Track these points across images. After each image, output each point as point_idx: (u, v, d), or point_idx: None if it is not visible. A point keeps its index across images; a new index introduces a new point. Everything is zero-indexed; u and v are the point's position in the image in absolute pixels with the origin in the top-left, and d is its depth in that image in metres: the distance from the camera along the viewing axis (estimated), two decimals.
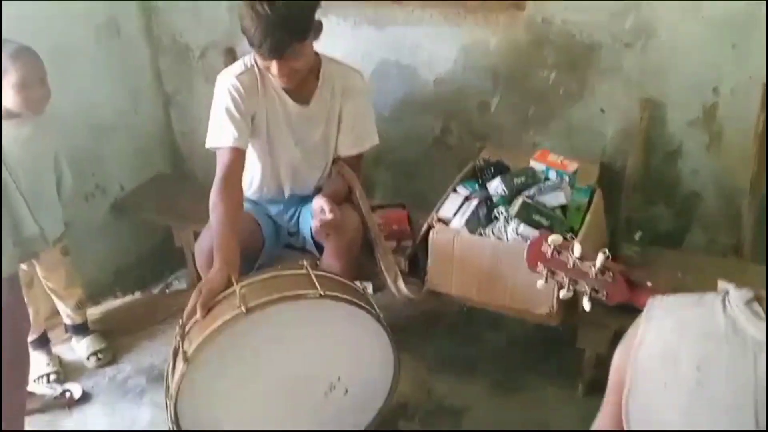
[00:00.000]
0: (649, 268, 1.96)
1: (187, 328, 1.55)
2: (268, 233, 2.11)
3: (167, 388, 1.56)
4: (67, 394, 2.15)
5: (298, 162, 2.07)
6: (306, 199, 2.14)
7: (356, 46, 2.38)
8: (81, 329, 2.33)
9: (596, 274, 1.25)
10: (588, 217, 1.93)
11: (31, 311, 2.10)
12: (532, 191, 1.94)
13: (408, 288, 1.98)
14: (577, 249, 1.28)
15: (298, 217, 2.17)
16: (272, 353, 1.62)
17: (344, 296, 1.62)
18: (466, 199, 2.02)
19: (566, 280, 1.30)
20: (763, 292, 0.78)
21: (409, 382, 2.11)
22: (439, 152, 2.51)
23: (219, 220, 1.80)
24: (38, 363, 2.19)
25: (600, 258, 1.25)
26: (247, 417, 1.66)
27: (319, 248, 2.08)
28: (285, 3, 1.73)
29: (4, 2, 1.87)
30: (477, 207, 1.95)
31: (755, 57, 1.94)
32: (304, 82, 1.94)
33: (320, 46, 2.05)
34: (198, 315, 1.54)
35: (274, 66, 1.81)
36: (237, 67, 1.96)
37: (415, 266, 2.08)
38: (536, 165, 2.04)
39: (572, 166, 2.02)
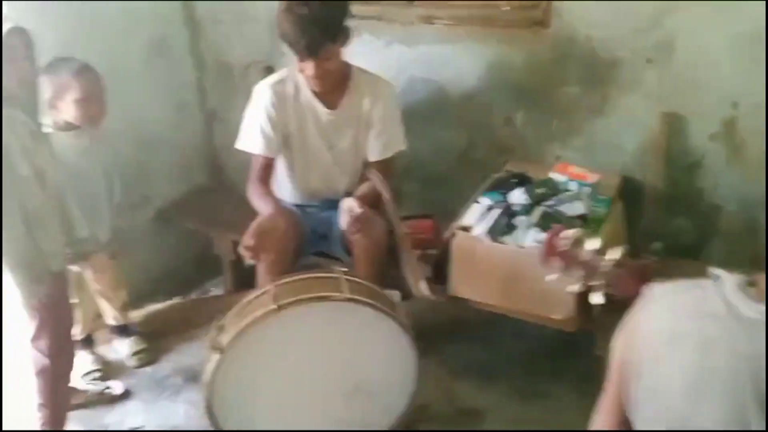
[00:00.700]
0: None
1: (224, 322, 1.67)
2: (307, 233, 2.24)
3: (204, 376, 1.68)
4: (109, 391, 2.28)
5: (329, 166, 2.20)
6: (338, 204, 2.25)
7: (388, 63, 2.48)
8: (124, 330, 2.46)
9: (610, 269, 1.30)
10: (606, 226, 1.98)
11: (80, 312, 2.27)
12: (552, 201, 2.01)
13: (430, 288, 2.05)
14: (591, 242, 1.34)
15: (332, 221, 2.28)
16: (299, 350, 1.72)
17: (369, 300, 1.71)
18: (489, 208, 2.10)
19: (579, 275, 1.36)
20: (758, 277, 0.83)
21: (430, 386, 2.17)
22: (465, 165, 2.58)
23: (261, 192, 2.13)
24: (83, 361, 2.32)
25: (613, 252, 1.30)
26: (274, 408, 1.76)
27: (349, 254, 2.18)
28: (320, 4, 1.92)
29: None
30: (499, 216, 2.03)
31: None
32: (335, 88, 2.09)
33: (354, 61, 2.19)
34: (247, 242, 1.83)
35: (309, 66, 1.96)
36: (274, 77, 2.15)
37: (440, 273, 2.16)
38: (557, 176, 2.11)
39: (592, 177, 2.08)
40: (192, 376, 2.30)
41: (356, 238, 2.06)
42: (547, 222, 1.91)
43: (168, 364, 2.43)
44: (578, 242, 1.35)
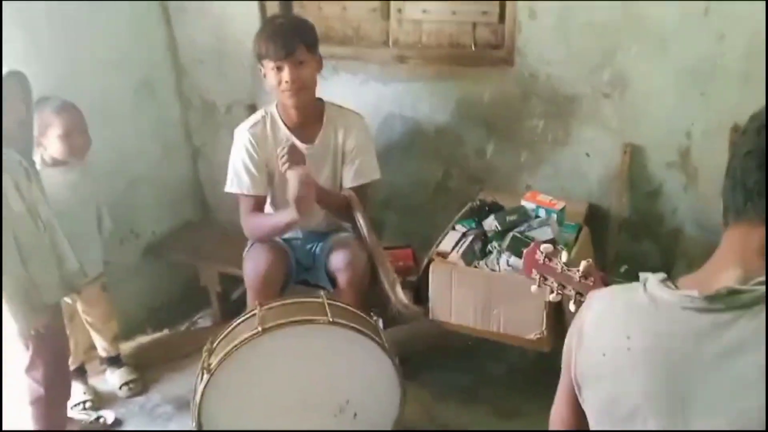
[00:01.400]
0: None
1: (214, 345, 1.76)
2: (292, 265, 2.34)
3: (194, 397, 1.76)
4: (101, 420, 2.34)
5: None
6: (322, 235, 2.36)
7: (365, 100, 2.61)
8: (115, 361, 2.53)
9: (580, 279, 1.43)
10: (575, 251, 2.11)
11: (72, 343, 2.34)
12: (523, 227, 2.14)
13: (411, 309, 2.15)
14: (564, 255, 1.46)
15: (315, 253, 2.38)
16: (285, 372, 1.81)
17: (352, 324, 1.79)
18: (464, 235, 2.22)
19: (555, 285, 1.48)
20: (681, 278, 0.95)
21: (413, 409, 2.25)
22: (441, 196, 2.71)
23: (263, 216, 2.26)
24: (76, 391, 2.38)
25: (583, 264, 1.43)
26: (261, 429, 1.83)
27: (333, 284, 2.29)
28: (295, 16, 2.14)
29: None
30: (473, 242, 2.16)
31: (721, 103, 2.14)
32: (310, 124, 2.21)
33: (333, 99, 2.32)
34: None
35: (285, 72, 2.08)
36: (250, 119, 2.27)
37: (420, 299, 2.26)
38: (527, 204, 2.24)
39: (559, 204, 2.21)
40: (182, 405, 2.36)
41: (340, 275, 2.17)
42: (517, 246, 2.03)
43: (158, 394, 2.49)
44: (552, 255, 1.47)
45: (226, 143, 2.31)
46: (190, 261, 2.85)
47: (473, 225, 2.26)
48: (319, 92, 2.30)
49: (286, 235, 2.38)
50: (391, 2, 2.56)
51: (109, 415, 2.36)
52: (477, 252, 2.13)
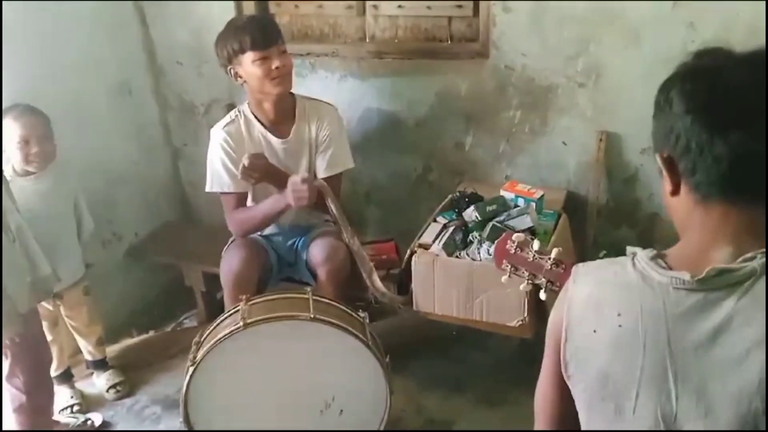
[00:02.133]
0: None
1: (202, 338, 1.77)
2: (273, 262, 2.35)
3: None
4: (89, 423, 2.34)
5: None
6: (303, 231, 2.38)
7: (343, 96, 2.63)
8: (101, 364, 2.53)
9: (551, 267, 1.44)
10: (554, 238, 2.14)
11: (56, 348, 2.33)
12: (502, 217, 2.17)
13: (395, 301, 2.18)
14: (536, 244, 1.48)
15: (297, 248, 2.40)
16: (269, 368, 1.82)
17: (334, 321, 1.80)
18: (445, 226, 2.24)
19: (526, 275, 1.50)
20: (667, 252, 0.96)
21: (400, 400, 2.28)
22: (422, 188, 2.74)
23: (247, 209, 2.26)
24: (63, 396, 2.38)
25: (554, 251, 1.45)
26: (248, 423, 1.85)
27: (314, 277, 2.30)
28: (255, 15, 2.18)
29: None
30: (453, 232, 2.18)
31: None
32: (283, 119, 2.23)
33: (311, 95, 2.33)
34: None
35: (272, 60, 2.09)
36: (225, 119, 2.27)
37: (403, 290, 2.29)
38: (506, 194, 2.27)
39: (538, 193, 2.25)
40: (170, 405, 2.37)
41: (320, 269, 2.19)
42: (497, 235, 2.05)
43: (146, 395, 2.49)
44: (524, 245, 1.49)
45: (206, 143, 2.32)
46: (174, 261, 2.85)
47: (454, 216, 2.28)
48: (298, 90, 2.32)
49: (267, 232, 2.39)
50: None
51: (96, 418, 2.35)
52: (458, 242, 2.16)
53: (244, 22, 2.16)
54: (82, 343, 2.49)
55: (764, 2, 1.98)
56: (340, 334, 1.79)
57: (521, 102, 2.45)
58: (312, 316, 1.75)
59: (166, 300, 3.02)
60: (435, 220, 2.30)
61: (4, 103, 2.14)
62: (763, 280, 0.82)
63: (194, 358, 1.72)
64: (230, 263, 2.21)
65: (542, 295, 1.45)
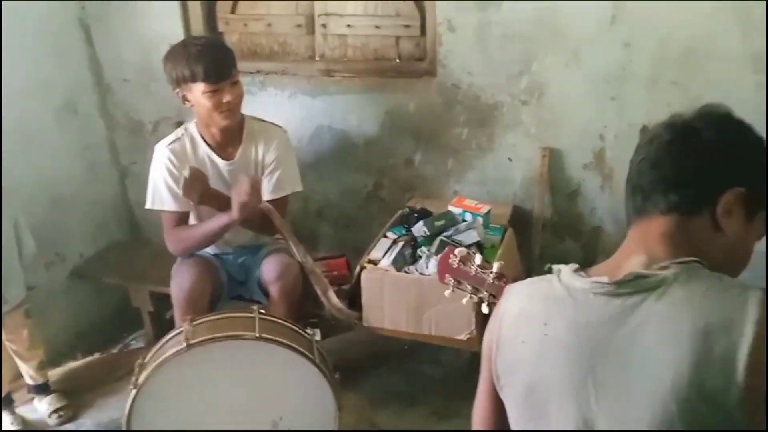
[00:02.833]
0: None
1: (145, 360, 1.74)
2: (224, 280, 2.33)
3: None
4: None
5: None
6: (254, 249, 2.36)
7: (293, 114, 2.64)
8: (42, 389, 2.45)
9: (493, 281, 1.47)
10: (500, 251, 2.19)
11: None
12: (450, 231, 2.20)
13: (348, 315, 2.17)
14: (478, 259, 1.51)
15: (247, 266, 2.38)
16: (214, 388, 1.79)
17: (281, 340, 1.77)
18: (394, 242, 2.27)
19: (469, 288, 1.53)
20: (591, 268, 1.01)
21: (352, 416, 2.28)
22: (373, 205, 2.76)
23: (186, 228, 2.21)
24: (3, 422, 2.31)
25: (496, 265, 1.48)
26: None
27: (266, 295, 2.29)
28: (210, 37, 2.06)
29: None
30: (403, 248, 2.20)
31: (631, 106, 2.27)
32: (230, 140, 2.21)
33: (261, 113, 2.34)
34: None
35: (223, 94, 2.06)
36: (170, 137, 2.24)
37: (354, 306, 2.29)
38: (454, 209, 2.31)
39: (485, 208, 2.29)
40: (114, 429, 2.31)
41: (272, 287, 2.17)
42: (444, 250, 2.09)
43: (89, 420, 2.42)
44: (466, 259, 1.52)
45: None
46: (120, 282, 2.79)
47: (403, 232, 2.31)
48: (248, 108, 2.31)
49: (217, 251, 2.36)
50: (316, 18, 2.60)
51: None
52: (407, 257, 2.18)
53: (198, 51, 2.04)
54: (23, 368, 2.41)
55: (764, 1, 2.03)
56: (287, 352, 1.77)
57: (468, 119, 2.50)
58: (257, 335, 1.73)
59: (113, 321, 2.95)
60: (385, 236, 2.32)
61: None
62: (676, 285, 0.87)
63: (136, 381, 1.68)
64: (181, 281, 2.18)
65: (485, 309, 1.48)
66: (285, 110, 2.64)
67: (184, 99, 2.14)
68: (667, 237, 0.95)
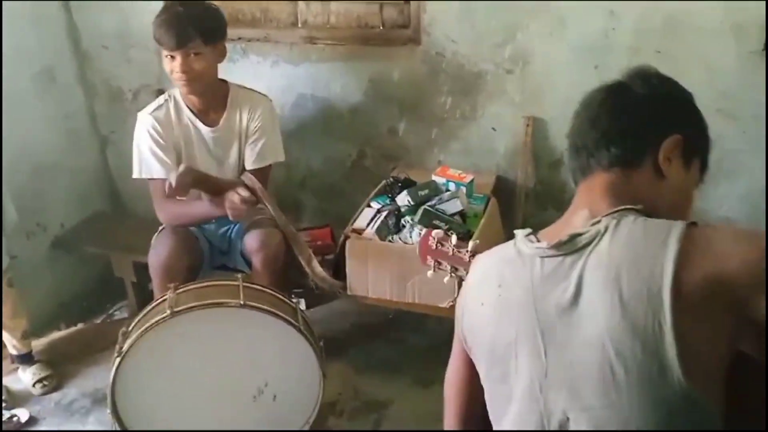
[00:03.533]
0: None
1: (129, 328, 1.74)
2: (205, 250, 2.32)
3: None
4: (15, 419, 2.27)
5: None
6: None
7: (275, 82, 2.62)
8: (26, 358, 2.45)
9: (469, 259, 1.50)
10: (483, 221, 2.20)
11: None
12: (434, 201, 2.21)
13: (332, 285, 2.18)
14: (454, 239, 1.54)
15: (230, 236, 2.38)
16: (199, 356, 1.80)
17: (265, 307, 1.78)
18: (378, 211, 2.27)
19: (449, 268, 1.56)
20: (543, 231, 1.05)
21: (337, 383, 2.32)
22: (357, 174, 2.75)
23: (180, 203, 2.15)
24: None
25: (471, 244, 1.51)
26: (178, 413, 1.82)
27: (249, 265, 2.29)
28: (195, 4, 2.06)
29: None
30: (386, 217, 2.21)
31: (614, 75, 2.24)
32: (214, 107, 2.19)
33: (243, 81, 2.31)
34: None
35: (177, 62, 2.03)
36: (153, 104, 2.21)
37: (339, 275, 2.30)
38: (438, 179, 2.31)
39: (468, 177, 2.30)
40: (100, 399, 2.33)
41: (255, 255, 2.17)
42: (428, 219, 2.10)
43: (74, 389, 2.44)
44: (443, 240, 1.55)
45: (134, 130, 2.26)
46: (103, 252, 2.78)
47: (387, 201, 2.31)
48: (230, 75, 2.28)
49: None
50: None
51: (23, 414, 2.28)
52: (391, 227, 2.19)
53: (170, 14, 2.03)
54: (7, 337, 2.40)
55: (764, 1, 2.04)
56: (271, 320, 1.78)
57: (452, 88, 2.48)
58: (242, 302, 1.74)
59: (96, 291, 2.95)
60: (369, 205, 2.33)
61: None
62: (606, 236, 0.92)
63: (121, 348, 1.68)
64: (158, 252, 2.17)
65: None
66: (267, 78, 2.61)
67: None
68: (610, 190, 1.00)
